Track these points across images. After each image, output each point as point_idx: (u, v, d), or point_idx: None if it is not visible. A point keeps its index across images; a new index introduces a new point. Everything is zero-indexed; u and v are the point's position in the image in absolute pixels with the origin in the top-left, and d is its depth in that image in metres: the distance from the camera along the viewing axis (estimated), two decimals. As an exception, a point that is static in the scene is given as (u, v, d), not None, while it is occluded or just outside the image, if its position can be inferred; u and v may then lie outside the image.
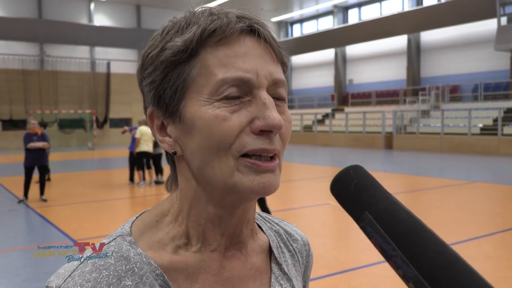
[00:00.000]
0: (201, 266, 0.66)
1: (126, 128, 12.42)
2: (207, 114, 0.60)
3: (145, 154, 10.98)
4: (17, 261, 5.56)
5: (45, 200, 9.37)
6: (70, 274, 0.61)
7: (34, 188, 11.52)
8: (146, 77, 0.65)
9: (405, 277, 0.46)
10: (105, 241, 0.66)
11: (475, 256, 5.51)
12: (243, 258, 0.70)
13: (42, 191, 9.43)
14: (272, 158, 0.61)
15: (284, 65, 0.67)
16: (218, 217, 0.65)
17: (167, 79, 0.63)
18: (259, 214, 0.80)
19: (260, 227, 0.77)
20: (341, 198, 0.54)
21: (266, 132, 0.60)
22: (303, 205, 8.75)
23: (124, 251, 0.64)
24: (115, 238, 0.66)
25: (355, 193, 0.52)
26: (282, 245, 0.78)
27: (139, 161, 11.08)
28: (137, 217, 0.70)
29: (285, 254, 0.77)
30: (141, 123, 11.12)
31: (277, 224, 0.81)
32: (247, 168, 0.60)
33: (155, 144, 11.16)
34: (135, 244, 0.65)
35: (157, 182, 11.59)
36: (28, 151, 8.96)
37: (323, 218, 7.94)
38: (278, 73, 0.64)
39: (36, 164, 9.07)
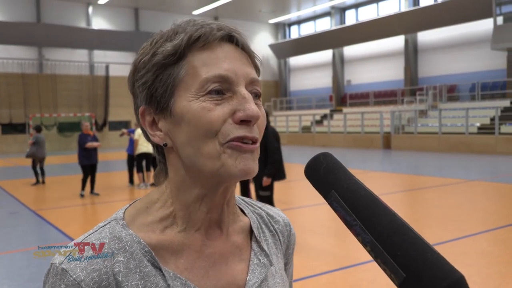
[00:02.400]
0: (185, 244, 0.75)
1: (124, 130, 12.40)
2: (194, 107, 0.69)
3: (144, 155, 11.03)
4: (20, 262, 5.64)
5: (97, 194, 10.21)
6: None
7: (33, 190, 11.58)
8: (138, 80, 0.74)
9: (363, 242, 0.56)
10: (101, 224, 0.76)
11: (470, 252, 5.60)
12: (223, 237, 0.79)
13: (92, 187, 10.22)
14: (252, 143, 0.71)
15: (257, 69, 0.78)
16: (203, 196, 0.75)
17: (159, 79, 0.72)
18: (242, 199, 0.89)
19: (242, 210, 0.86)
20: (312, 179, 0.64)
21: (246, 122, 0.70)
22: (302, 204, 8.84)
23: (117, 232, 0.73)
24: (109, 222, 0.75)
25: (324, 175, 0.63)
26: (263, 226, 0.87)
27: (138, 163, 11.13)
28: (130, 205, 0.80)
29: (266, 234, 0.86)
30: (138, 125, 11.16)
31: (260, 207, 0.90)
32: (231, 149, 0.69)
33: (155, 146, 11.22)
34: (127, 226, 0.74)
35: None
36: (84, 150, 9.76)
37: (321, 217, 8.02)
38: (254, 74, 0.75)
39: (91, 162, 9.94)
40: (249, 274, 0.78)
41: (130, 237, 0.72)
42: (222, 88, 0.70)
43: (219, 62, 0.71)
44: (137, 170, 11.20)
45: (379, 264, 0.54)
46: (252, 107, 0.69)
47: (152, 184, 11.58)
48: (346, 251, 5.89)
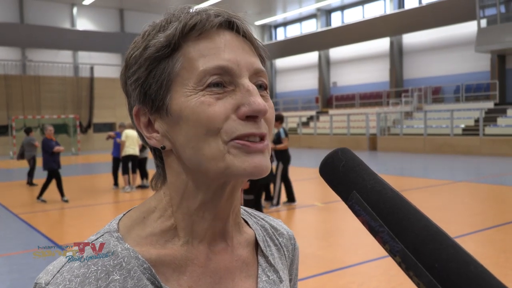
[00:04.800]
0: (189, 259, 0.67)
1: (111, 134, 12.14)
2: (193, 103, 0.62)
3: (131, 157, 10.88)
4: (2, 267, 5.49)
5: (66, 201, 9.75)
6: (59, 270, 0.62)
7: (16, 193, 11.36)
8: (130, 76, 0.66)
9: (391, 252, 0.48)
10: (92, 237, 0.67)
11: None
12: (229, 250, 0.72)
13: (62, 193, 9.83)
14: (260, 140, 0.63)
15: (262, 59, 0.70)
16: (208, 201, 0.67)
17: (152, 74, 0.64)
18: (244, 210, 0.82)
19: (246, 222, 0.79)
20: (329, 179, 0.55)
21: (252, 118, 0.62)
22: (289, 206, 8.79)
23: (112, 246, 0.65)
24: (102, 235, 0.67)
25: (343, 173, 0.53)
26: (268, 239, 0.79)
27: (124, 165, 10.97)
28: (124, 214, 0.71)
29: (271, 248, 0.79)
30: (127, 126, 11.05)
31: (262, 219, 0.82)
32: (237, 149, 0.61)
33: (141, 148, 11.09)
34: (123, 240, 0.66)
35: (142, 187, 11.50)
36: (52, 154, 9.52)
37: (309, 219, 7.99)
38: (258, 64, 0.67)
39: (59, 166, 9.72)
40: None
41: (126, 252, 0.64)
42: (223, 81, 0.62)
43: (218, 52, 0.63)
44: (123, 172, 11.03)
45: (410, 277, 0.46)
46: (258, 101, 0.61)
47: (138, 187, 11.44)
48: (333, 254, 5.85)
